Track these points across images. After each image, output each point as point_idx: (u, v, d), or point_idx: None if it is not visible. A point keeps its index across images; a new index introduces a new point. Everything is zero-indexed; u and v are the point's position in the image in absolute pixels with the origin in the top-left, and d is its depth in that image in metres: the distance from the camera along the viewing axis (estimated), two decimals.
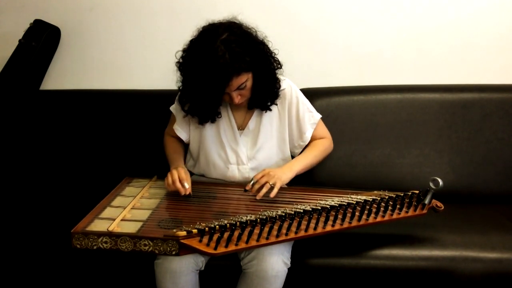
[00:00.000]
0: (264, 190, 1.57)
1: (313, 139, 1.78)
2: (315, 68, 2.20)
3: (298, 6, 2.16)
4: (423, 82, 2.14)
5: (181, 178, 1.59)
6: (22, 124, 2.15)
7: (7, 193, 2.05)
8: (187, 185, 1.59)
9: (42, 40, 2.13)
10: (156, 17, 2.20)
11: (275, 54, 1.65)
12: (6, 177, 2.10)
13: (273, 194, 1.56)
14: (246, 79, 1.53)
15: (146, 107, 2.11)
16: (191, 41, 1.57)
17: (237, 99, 1.56)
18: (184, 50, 1.59)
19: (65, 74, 2.28)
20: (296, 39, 2.18)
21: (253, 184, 1.59)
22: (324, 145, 1.80)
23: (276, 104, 1.70)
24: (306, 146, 1.78)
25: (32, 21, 2.14)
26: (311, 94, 2.04)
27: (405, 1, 2.14)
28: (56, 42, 2.23)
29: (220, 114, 1.69)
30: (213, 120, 1.69)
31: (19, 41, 2.12)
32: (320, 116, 1.80)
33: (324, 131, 1.83)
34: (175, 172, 1.61)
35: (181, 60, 1.60)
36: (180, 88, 1.66)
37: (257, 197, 1.57)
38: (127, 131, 2.10)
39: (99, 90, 2.22)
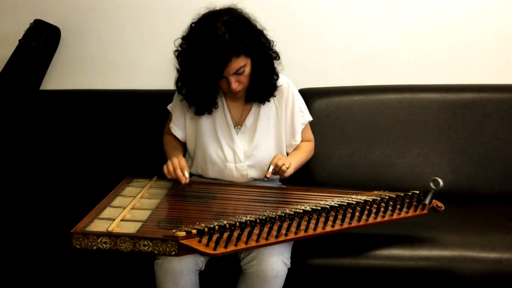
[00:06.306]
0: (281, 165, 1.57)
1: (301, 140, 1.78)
2: (315, 68, 2.20)
3: (299, 6, 2.16)
4: (423, 82, 2.14)
5: (181, 166, 1.59)
6: (22, 124, 2.15)
7: (7, 193, 2.05)
8: (187, 173, 1.59)
9: (42, 40, 2.13)
10: (156, 17, 2.20)
11: (273, 44, 1.65)
12: (6, 177, 2.10)
13: (287, 173, 1.59)
14: (244, 64, 1.53)
15: (146, 107, 2.11)
16: (191, 25, 1.57)
17: (234, 84, 1.55)
18: (183, 37, 1.59)
19: (65, 74, 2.28)
20: (296, 39, 2.18)
21: (272, 170, 1.59)
22: (311, 147, 1.85)
23: (274, 96, 1.70)
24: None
25: (32, 21, 2.14)
26: (311, 94, 2.04)
27: (405, 2, 2.14)
28: (56, 42, 2.23)
29: (217, 104, 1.68)
30: (209, 111, 1.68)
31: (19, 41, 2.12)
32: (311, 119, 1.80)
33: (310, 134, 1.86)
34: (175, 160, 1.61)
35: (179, 48, 1.59)
36: (179, 70, 1.64)
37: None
38: (127, 131, 2.10)
39: (99, 90, 2.22)
